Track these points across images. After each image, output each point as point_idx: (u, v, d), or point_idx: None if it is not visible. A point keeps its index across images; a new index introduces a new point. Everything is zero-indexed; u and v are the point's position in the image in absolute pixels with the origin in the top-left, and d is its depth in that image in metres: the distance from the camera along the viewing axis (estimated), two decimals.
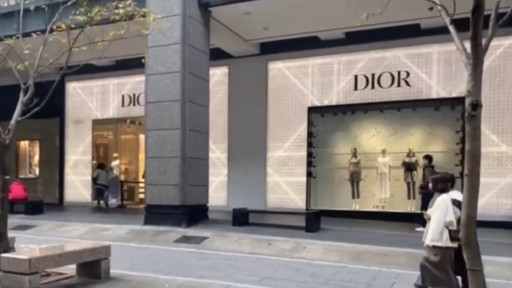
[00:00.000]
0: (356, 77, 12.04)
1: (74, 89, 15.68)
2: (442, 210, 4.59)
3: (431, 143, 11.59)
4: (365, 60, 11.97)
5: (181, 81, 9.38)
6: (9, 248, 5.82)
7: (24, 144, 17.43)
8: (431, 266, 4.62)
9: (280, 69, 12.98)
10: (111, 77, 14.93)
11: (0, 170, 5.79)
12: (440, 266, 4.56)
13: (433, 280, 4.63)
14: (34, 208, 12.15)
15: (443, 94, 11.23)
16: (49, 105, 15.59)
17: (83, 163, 15.69)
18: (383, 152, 11.92)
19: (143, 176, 15.53)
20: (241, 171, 13.00)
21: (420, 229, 8.15)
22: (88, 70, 12.46)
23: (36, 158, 17.44)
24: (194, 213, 9.72)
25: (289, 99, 12.92)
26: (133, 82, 14.56)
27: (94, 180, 14.97)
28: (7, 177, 5.88)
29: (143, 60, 6.94)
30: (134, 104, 14.75)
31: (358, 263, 6.90)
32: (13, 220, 11.15)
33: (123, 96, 14.89)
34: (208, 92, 10.50)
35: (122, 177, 15.95)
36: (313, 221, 9.06)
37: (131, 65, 9.32)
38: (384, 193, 12.08)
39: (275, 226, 9.75)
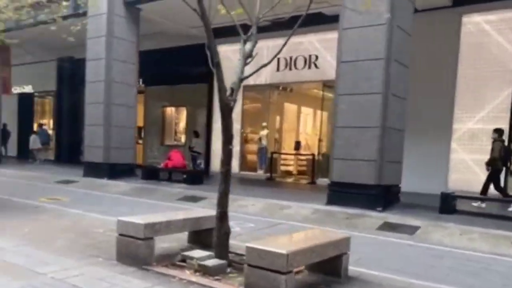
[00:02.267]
0: None
1: (225, 52, 15.04)
2: None
3: None
4: None
5: (386, 35, 7.85)
6: (229, 231, 4.98)
7: (170, 110, 17.60)
8: None
9: (478, 23, 10.70)
10: (267, 39, 13.90)
11: (224, 138, 4.89)
12: None
13: None
14: (195, 177, 11.81)
15: None
16: (198, 70, 15.54)
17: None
18: None
19: (296, 148, 14.67)
20: (417, 145, 11.14)
21: None
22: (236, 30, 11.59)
23: (181, 125, 17.52)
24: (388, 195, 8.30)
25: (488, 59, 10.64)
26: (291, 44, 13.36)
27: (191, 148, 15.24)
28: (230, 147, 4.97)
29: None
30: (290, 69, 13.63)
31: None
32: (177, 189, 10.96)
33: (278, 60, 13.84)
34: (409, 50, 8.82)
35: (271, 148, 15.17)
36: None
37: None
38: None
39: (493, 217, 7.94)
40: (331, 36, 11.16)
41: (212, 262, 4.57)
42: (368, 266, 5.16)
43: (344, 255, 4.60)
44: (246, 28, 5.14)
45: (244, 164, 15.42)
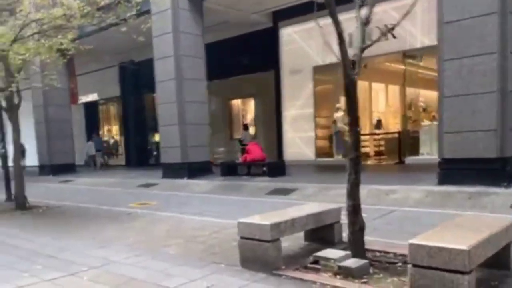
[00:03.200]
0: None
1: (289, 35, 14.47)
2: None
3: None
4: None
5: None
6: (364, 225, 4.40)
7: (236, 103, 17.28)
8: None
9: None
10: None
11: (351, 119, 4.32)
12: None
13: None
14: (277, 169, 11.33)
15: None
16: (262, 57, 15.04)
17: (303, 117, 14.55)
18: None
19: (377, 127, 13.81)
20: None
21: None
22: (303, 10, 10.95)
23: (249, 116, 17.15)
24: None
25: None
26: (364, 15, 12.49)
27: (241, 141, 15.30)
28: (358, 129, 4.38)
29: None
30: (364, 42, 12.69)
31: None
32: (262, 183, 10.54)
33: (350, 35, 12.95)
34: None
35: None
36: None
37: None
38: None
39: None
40: (407, 1, 10.19)
41: (353, 262, 4.03)
42: None
43: None
44: None
45: (319, 150, 14.77)
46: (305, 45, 14.12)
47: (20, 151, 23.81)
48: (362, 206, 4.62)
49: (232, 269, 4.42)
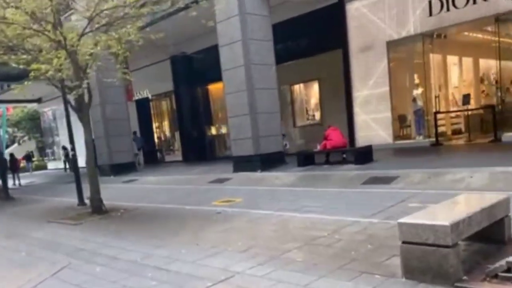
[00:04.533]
0: None
1: (357, 9, 13.40)
2: None
3: None
4: None
5: None
6: None
7: (298, 88, 16.43)
8: None
9: None
10: None
11: None
12: None
13: None
14: (364, 155, 10.41)
15: None
16: (327, 36, 14.05)
17: (377, 97, 13.49)
18: None
19: (465, 103, 12.60)
20: None
21: None
22: None
23: (313, 101, 16.26)
24: None
25: None
26: None
27: None
28: None
29: None
30: (447, 9, 11.52)
31: None
32: (352, 172, 9.68)
33: (430, 2, 11.79)
34: None
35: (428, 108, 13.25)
36: None
37: None
38: None
39: None
40: None
41: None
42: None
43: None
44: None
45: (397, 132, 13.70)
46: (375, 18, 13.01)
47: (64, 154, 23.85)
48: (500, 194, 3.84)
49: (394, 282, 3.65)
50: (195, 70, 18.89)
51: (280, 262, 4.55)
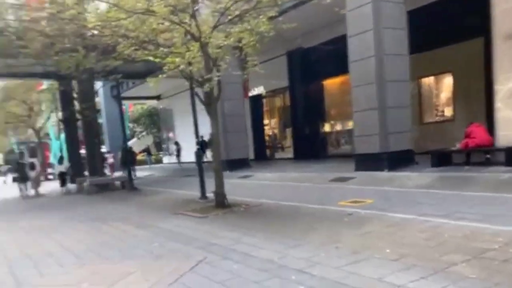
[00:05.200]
0: None
1: None
2: None
3: None
4: None
5: None
6: None
7: (427, 81, 15.08)
8: None
9: None
10: None
11: None
12: None
13: None
14: None
15: None
16: (465, 24, 12.58)
17: None
18: None
19: None
20: None
21: None
22: None
23: (443, 96, 14.82)
24: None
25: None
26: None
27: None
28: None
29: None
30: None
31: None
32: (503, 175, 8.44)
33: None
34: None
35: None
36: None
37: None
38: None
39: None
40: None
41: None
42: None
43: None
44: None
45: None
46: None
47: (177, 150, 24.70)
48: None
49: None
50: (311, 65, 18.44)
51: (448, 277, 3.88)
